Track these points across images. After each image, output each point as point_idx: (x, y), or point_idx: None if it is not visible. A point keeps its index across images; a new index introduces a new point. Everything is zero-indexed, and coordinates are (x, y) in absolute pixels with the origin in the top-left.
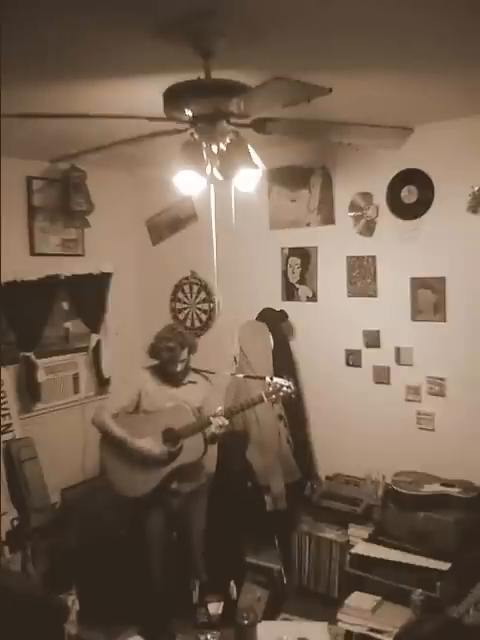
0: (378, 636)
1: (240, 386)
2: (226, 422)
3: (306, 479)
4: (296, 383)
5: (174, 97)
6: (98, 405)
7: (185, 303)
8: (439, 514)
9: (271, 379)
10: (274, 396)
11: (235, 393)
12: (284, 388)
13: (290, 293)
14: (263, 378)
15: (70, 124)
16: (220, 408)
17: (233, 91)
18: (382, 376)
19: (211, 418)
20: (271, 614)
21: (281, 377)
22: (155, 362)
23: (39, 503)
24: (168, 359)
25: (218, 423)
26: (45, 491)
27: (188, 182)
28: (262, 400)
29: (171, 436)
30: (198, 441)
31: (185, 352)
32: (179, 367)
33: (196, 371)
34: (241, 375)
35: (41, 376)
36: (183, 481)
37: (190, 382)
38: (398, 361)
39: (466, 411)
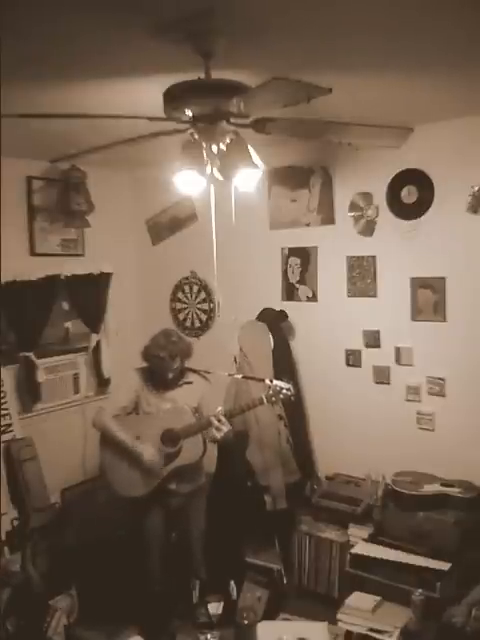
0: (378, 636)
1: (240, 386)
2: (228, 427)
3: (306, 479)
4: (296, 383)
5: (174, 97)
6: (98, 406)
7: (185, 303)
8: (439, 514)
9: (271, 382)
10: (274, 399)
11: (235, 393)
12: (284, 391)
13: (290, 293)
14: (263, 380)
15: (70, 124)
16: (220, 408)
17: (233, 91)
18: (382, 376)
19: (212, 419)
20: (271, 614)
21: (281, 379)
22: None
23: (39, 503)
24: (158, 367)
25: (218, 427)
26: (45, 491)
27: (188, 182)
28: (262, 403)
29: (170, 437)
30: (197, 442)
31: (177, 360)
32: (170, 375)
33: (193, 371)
34: (240, 376)
35: (41, 376)
36: (182, 481)
37: (186, 383)
38: (398, 361)
39: (466, 411)
